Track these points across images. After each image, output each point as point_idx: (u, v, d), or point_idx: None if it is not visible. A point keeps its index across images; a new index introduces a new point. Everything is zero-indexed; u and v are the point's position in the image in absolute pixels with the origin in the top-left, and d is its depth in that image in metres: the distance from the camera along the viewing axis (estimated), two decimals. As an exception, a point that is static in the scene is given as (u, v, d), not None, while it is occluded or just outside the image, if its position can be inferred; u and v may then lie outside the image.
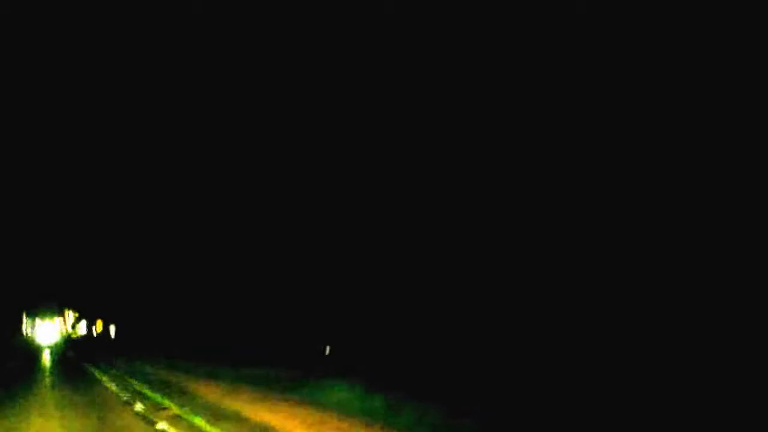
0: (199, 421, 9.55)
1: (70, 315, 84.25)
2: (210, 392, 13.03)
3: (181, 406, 11.12)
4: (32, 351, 42.36)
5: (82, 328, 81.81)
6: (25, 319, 72.34)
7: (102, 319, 71.99)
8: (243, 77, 25.48)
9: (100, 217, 48.84)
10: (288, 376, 16.19)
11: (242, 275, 34.45)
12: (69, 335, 75.88)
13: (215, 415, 10.13)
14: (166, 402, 11.50)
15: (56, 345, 54.81)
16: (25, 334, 69.97)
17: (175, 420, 9.80)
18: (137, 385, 15.28)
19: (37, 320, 70.75)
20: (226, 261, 36.02)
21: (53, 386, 16.27)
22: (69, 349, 45.51)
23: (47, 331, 66.06)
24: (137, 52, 27.61)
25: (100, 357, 29.54)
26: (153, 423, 9.55)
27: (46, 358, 32.02)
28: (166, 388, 14.42)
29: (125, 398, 12.63)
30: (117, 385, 15.55)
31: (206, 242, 38.00)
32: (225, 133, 28.86)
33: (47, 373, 21.57)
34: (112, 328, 68.43)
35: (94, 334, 75.00)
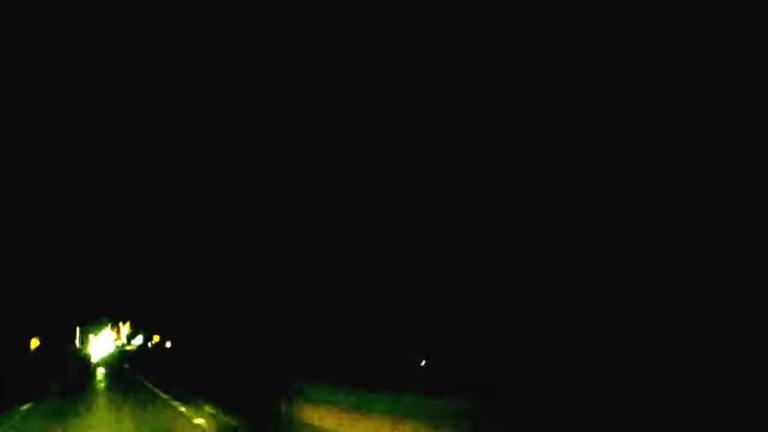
0: None
1: (125, 328, 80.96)
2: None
3: None
4: (89, 368, 36.74)
5: (137, 341, 77.84)
6: (78, 333, 69.30)
7: (159, 333, 67.50)
8: (243, 77, 26.13)
9: (159, 228, 48.62)
10: (458, 409, 9.86)
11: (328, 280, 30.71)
12: (123, 348, 71.88)
13: None
14: None
15: (112, 360, 49.70)
16: (78, 347, 66.54)
17: None
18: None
19: (90, 335, 66.95)
20: (310, 268, 32.56)
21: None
22: (129, 369, 39.71)
23: (101, 345, 61.68)
24: (137, 52, 28.65)
25: (175, 382, 22.79)
26: None
27: (101, 378, 25.67)
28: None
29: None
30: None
31: (280, 252, 34.97)
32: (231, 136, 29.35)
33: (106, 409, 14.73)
34: (168, 343, 63.51)
35: (149, 347, 70.40)
